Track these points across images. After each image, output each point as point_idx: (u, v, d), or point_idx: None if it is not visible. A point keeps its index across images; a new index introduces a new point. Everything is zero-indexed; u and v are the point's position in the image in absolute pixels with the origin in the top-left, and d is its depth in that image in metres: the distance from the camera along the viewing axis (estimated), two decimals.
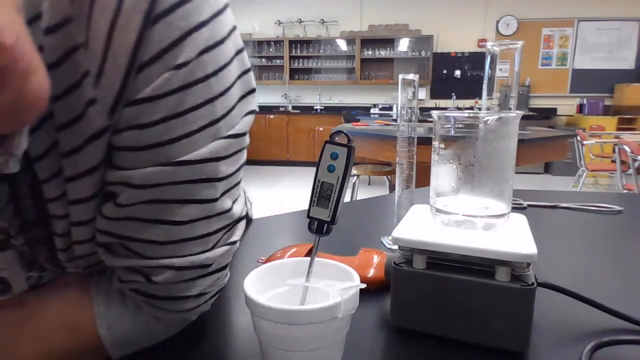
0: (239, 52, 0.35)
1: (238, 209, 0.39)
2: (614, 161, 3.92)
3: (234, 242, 0.40)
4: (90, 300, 0.37)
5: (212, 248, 0.37)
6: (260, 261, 0.58)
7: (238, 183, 0.39)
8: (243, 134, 0.36)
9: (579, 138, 4.15)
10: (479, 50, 6.40)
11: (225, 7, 0.33)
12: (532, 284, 0.37)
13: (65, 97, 0.30)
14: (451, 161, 0.44)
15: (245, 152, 0.38)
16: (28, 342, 0.36)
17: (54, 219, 0.36)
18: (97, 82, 0.30)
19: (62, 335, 0.37)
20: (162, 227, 0.34)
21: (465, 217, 0.43)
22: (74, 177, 0.33)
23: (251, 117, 0.37)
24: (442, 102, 6.53)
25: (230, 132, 0.34)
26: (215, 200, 0.35)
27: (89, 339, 0.37)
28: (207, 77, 0.32)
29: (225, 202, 0.37)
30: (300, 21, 6.69)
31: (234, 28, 0.35)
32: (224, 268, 0.40)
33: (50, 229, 0.37)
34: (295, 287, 0.37)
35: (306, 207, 0.37)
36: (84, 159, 0.32)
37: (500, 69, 0.49)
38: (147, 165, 0.32)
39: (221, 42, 0.32)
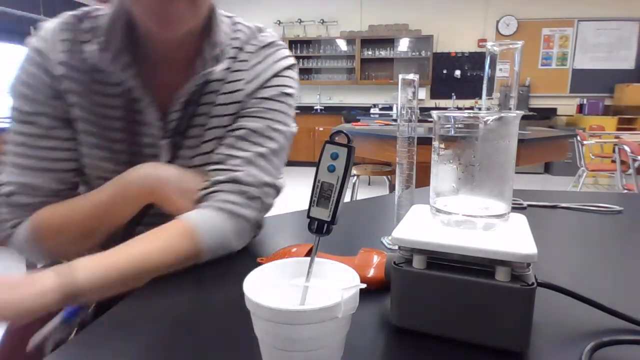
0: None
1: None
2: (614, 161, 3.92)
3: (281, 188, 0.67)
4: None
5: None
6: (260, 261, 0.58)
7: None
8: None
9: (579, 138, 4.15)
10: (479, 50, 6.40)
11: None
12: (532, 284, 0.37)
13: None
14: (451, 161, 0.44)
15: None
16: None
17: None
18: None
19: (183, 239, 0.55)
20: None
21: (465, 217, 0.43)
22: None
23: None
24: (442, 102, 6.53)
25: None
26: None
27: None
28: None
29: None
30: (300, 21, 6.69)
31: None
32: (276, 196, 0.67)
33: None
34: (295, 287, 0.37)
35: (306, 207, 0.37)
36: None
37: (500, 69, 0.49)
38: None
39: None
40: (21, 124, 0.62)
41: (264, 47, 0.70)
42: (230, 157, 0.63)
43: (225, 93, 0.67)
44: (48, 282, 0.45)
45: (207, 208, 0.59)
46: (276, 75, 0.68)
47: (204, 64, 0.64)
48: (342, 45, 6.63)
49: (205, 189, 0.61)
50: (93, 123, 0.64)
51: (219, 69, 0.65)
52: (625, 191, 3.17)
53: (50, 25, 0.64)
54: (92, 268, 0.48)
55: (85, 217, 0.60)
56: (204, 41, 0.64)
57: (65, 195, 0.64)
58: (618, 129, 5.70)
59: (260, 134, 0.64)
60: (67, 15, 0.64)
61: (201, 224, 0.56)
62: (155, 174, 0.61)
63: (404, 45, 6.49)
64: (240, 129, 0.64)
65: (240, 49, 0.69)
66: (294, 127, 0.70)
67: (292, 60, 0.71)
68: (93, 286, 0.47)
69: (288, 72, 0.70)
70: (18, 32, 4.79)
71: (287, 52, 0.72)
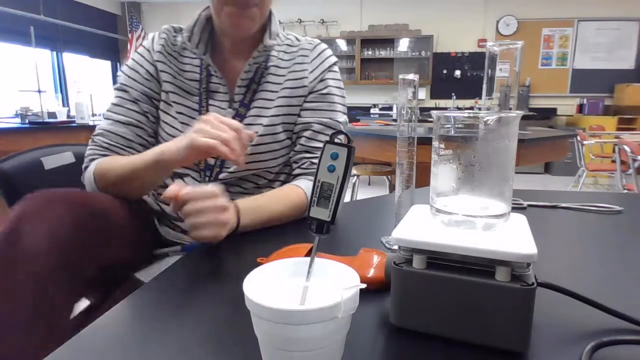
0: None
1: None
2: (614, 161, 3.92)
3: None
4: None
5: None
6: (260, 261, 0.58)
7: None
8: None
9: (579, 138, 4.15)
10: (479, 50, 6.40)
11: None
12: (532, 284, 0.37)
13: None
14: (451, 161, 0.44)
15: None
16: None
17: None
18: None
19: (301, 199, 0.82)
20: None
21: (465, 217, 0.43)
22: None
23: None
24: (442, 102, 6.53)
25: None
26: None
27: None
28: None
29: None
30: (300, 21, 6.69)
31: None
32: None
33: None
34: (295, 287, 0.37)
35: None
36: None
37: (500, 69, 0.49)
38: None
39: None
40: (119, 91, 0.87)
41: (317, 45, 0.94)
42: (314, 149, 0.88)
43: (291, 79, 0.89)
44: (232, 215, 0.66)
45: (306, 178, 0.86)
46: (329, 69, 0.91)
47: (264, 48, 0.86)
48: (342, 45, 6.62)
49: (302, 166, 0.88)
50: (177, 90, 0.87)
51: (273, 42, 0.87)
52: (625, 191, 3.17)
53: (154, 33, 0.91)
54: (250, 215, 0.72)
55: (125, 174, 0.76)
56: (264, 34, 0.87)
57: (135, 148, 0.85)
58: (618, 129, 5.70)
59: (328, 126, 0.88)
60: (166, 26, 0.90)
61: (305, 188, 0.82)
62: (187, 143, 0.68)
63: (404, 45, 6.49)
64: (315, 123, 0.88)
65: (297, 46, 0.93)
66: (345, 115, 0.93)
67: (335, 58, 0.95)
68: (248, 225, 0.71)
69: (335, 68, 0.93)
70: (18, 32, 4.79)
71: (329, 51, 0.95)
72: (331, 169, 0.35)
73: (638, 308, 0.43)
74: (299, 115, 0.89)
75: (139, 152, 0.82)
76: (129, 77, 0.87)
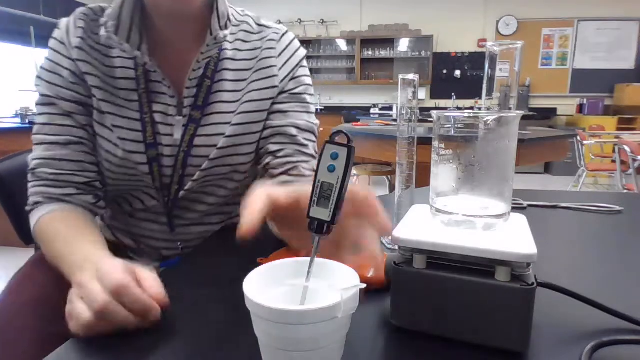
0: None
1: None
2: (614, 161, 3.92)
3: None
4: None
5: None
6: (260, 261, 0.58)
7: None
8: None
9: (579, 138, 4.15)
10: (479, 50, 6.40)
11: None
12: (532, 284, 0.36)
13: None
14: (451, 161, 0.44)
15: None
16: None
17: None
18: None
19: None
20: None
21: (465, 217, 0.43)
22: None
23: None
24: (442, 102, 6.53)
25: None
26: None
27: None
28: None
29: None
30: (300, 21, 6.69)
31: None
32: None
33: None
34: (295, 287, 0.37)
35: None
36: None
37: (500, 69, 0.49)
38: None
39: None
40: (44, 107, 0.68)
41: (284, 35, 0.79)
42: (298, 153, 0.74)
43: (257, 80, 0.74)
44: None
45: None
46: (299, 65, 0.79)
47: (215, 34, 0.68)
48: (342, 45, 6.62)
49: (290, 172, 0.73)
50: (109, 97, 0.69)
51: (227, 32, 0.69)
52: (625, 191, 3.17)
53: (67, 18, 0.70)
54: None
55: (49, 258, 0.60)
56: (211, 15, 0.68)
57: (88, 169, 0.69)
58: (618, 129, 5.70)
59: (305, 130, 0.76)
60: (81, 8, 0.70)
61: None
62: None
63: (404, 45, 6.49)
64: (290, 126, 0.75)
65: (259, 34, 0.77)
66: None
67: (304, 50, 0.83)
68: None
69: (305, 62, 0.81)
70: (18, 32, 4.79)
71: (298, 41, 0.82)
72: (331, 169, 0.35)
73: (638, 308, 0.43)
74: (267, 119, 0.75)
75: (96, 172, 0.70)
76: (51, 84, 0.68)
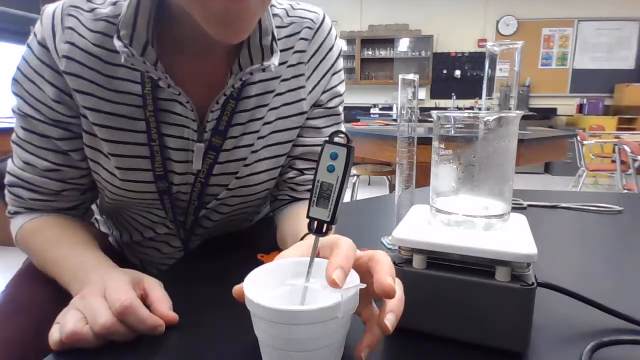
0: None
1: None
2: (614, 161, 3.93)
3: None
4: None
5: None
6: (260, 258, 0.58)
7: None
8: None
9: (579, 138, 4.15)
10: (479, 50, 6.40)
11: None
12: (532, 284, 0.36)
13: None
14: (451, 161, 0.44)
15: None
16: None
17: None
18: None
19: None
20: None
21: (465, 217, 0.43)
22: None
23: None
24: (442, 102, 6.53)
25: None
26: None
27: None
28: None
29: None
30: None
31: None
32: None
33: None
34: (295, 287, 0.37)
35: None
36: None
37: (500, 69, 0.49)
38: None
39: None
40: (21, 118, 0.57)
41: (320, 27, 0.64)
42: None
43: (289, 90, 0.62)
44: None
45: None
46: (333, 70, 0.66)
47: (255, 55, 0.55)
48: (342, 45, 6.61)
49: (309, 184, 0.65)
50: (108, 120, 0.55)
51: (274, 62, 0.54)
52: (625, 191, 3.17)
53: (49, 9, 0.54)
54: None
55: (37, 264, 0.58)
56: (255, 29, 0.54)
57: (70, 197, 0.61)
58: (618, 129, 5.70)
59: None
60: (69, 1, 0.54)
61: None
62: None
63: (404, 45, 6.49)
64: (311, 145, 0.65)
65: (289, 25, 0.62)
66: None
67: (339, 47, 0.68)
68: None
69: (340, 62, 0.68)
70: (18, 32, 4.79)
71: (335, 32, 0.67)
72: (330, 169, 0.35)
73: (638, 308, 0.43)
74: (299, 135, 0.65)
75: (81, 197, 0.63)
76: (28, 95, 0.55)
